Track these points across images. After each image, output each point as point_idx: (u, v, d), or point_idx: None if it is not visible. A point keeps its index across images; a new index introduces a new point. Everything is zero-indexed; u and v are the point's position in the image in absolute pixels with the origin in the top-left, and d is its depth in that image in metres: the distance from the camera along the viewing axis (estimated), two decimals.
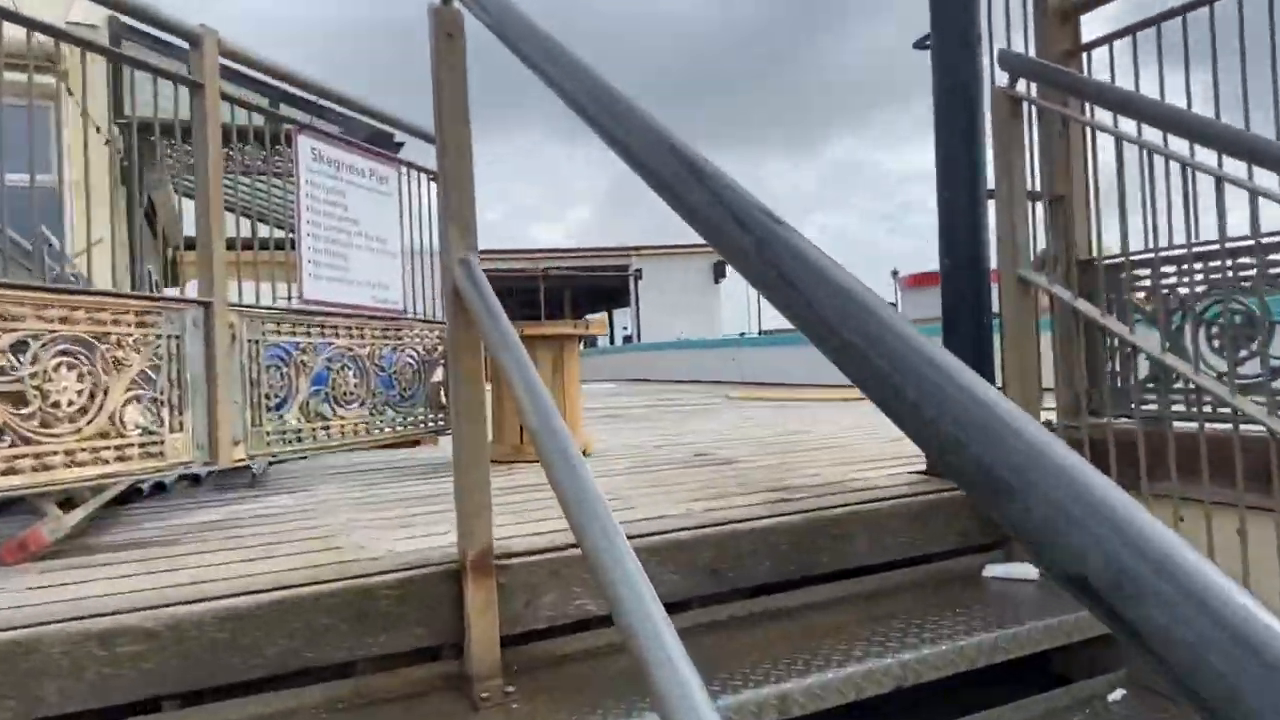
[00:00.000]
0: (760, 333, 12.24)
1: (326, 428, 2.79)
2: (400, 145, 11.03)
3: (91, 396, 2.01)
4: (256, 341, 2.52)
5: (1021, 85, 2.30)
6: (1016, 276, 2.19)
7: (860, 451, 3.21)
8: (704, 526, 1.86)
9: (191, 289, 2.44)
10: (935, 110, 2.45)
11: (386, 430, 3.09)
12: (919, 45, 4.77)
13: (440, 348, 3.41)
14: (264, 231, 3.18)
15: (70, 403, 1.96)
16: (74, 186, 8.53)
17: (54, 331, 1.94)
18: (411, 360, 3.25)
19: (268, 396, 2.55)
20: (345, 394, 2.88)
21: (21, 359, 1.87)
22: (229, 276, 2.41)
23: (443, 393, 3.45)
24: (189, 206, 2.98)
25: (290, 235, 2.98)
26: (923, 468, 2.53)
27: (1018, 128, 2.24)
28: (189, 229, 2.69)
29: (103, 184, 8.81)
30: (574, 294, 29.46)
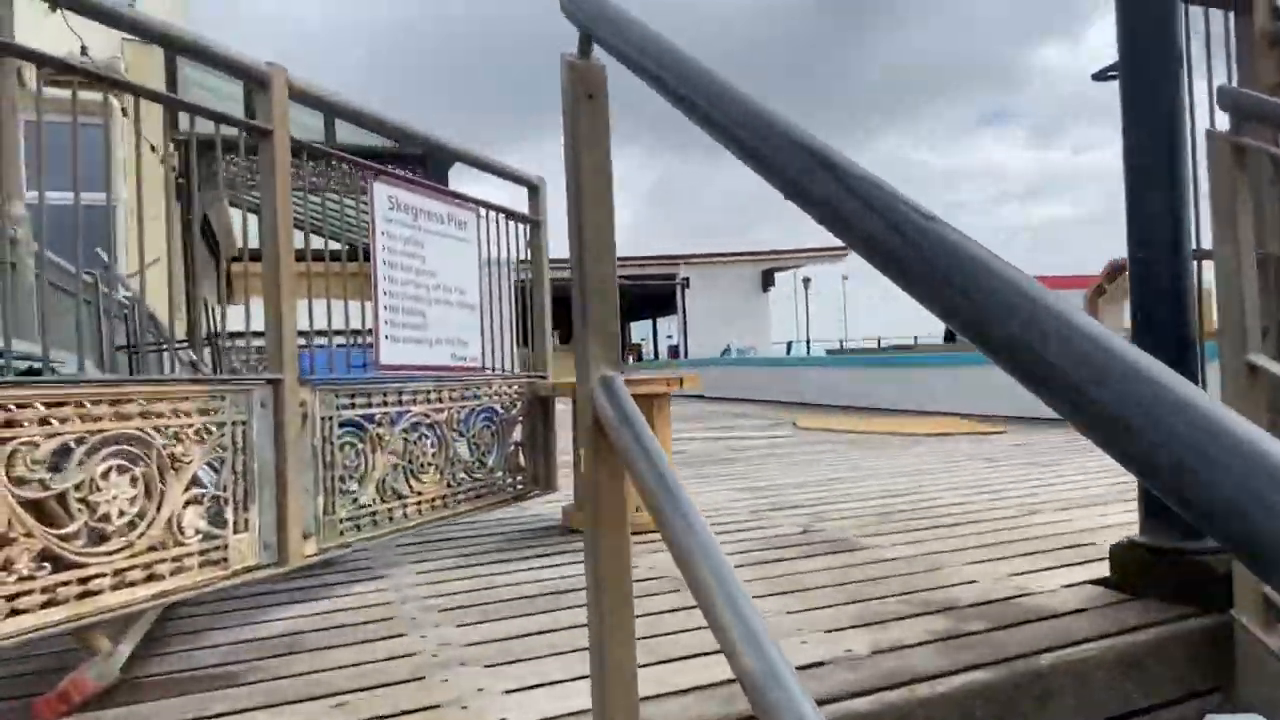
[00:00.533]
0: (826, 351, 11.80)
1: (404, 506, 2.49)
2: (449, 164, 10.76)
3: (146, 502, 1.72)
4: (330, 418, 2.23)
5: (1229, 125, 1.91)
6: (1245, 362, 1.80)
7: (1003, 529, 2.82)
8: (880, 689, 1.50)
9: (248, 312, 2.16)
10: (1126, 155, 2.06)
11: (464, 502, 2.78)
12: (1101, 76, 4.33)
13: (519, 404, 3.10)
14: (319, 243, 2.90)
15: (121, 513, 1.67)
16: (127, 205, 8.43)
17: (102, 431, 1.65)
18: (490, 421, 2.94)
19: (342, 479, 2.25)
20: (423, 465, 2.57)
21: (64, 467, 1.58)
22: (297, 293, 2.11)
23: (521, 454, 3.14)
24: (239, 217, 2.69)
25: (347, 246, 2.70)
26: (1103, 573, 2.14)
27: (1243, 179, 1.85)
28: (246, 239, 2.42)
29: (158, 201, 8.74)
30: (622, 302, 29.17)
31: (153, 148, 8.57)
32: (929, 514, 3.16)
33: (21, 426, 1.52)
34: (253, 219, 2.45)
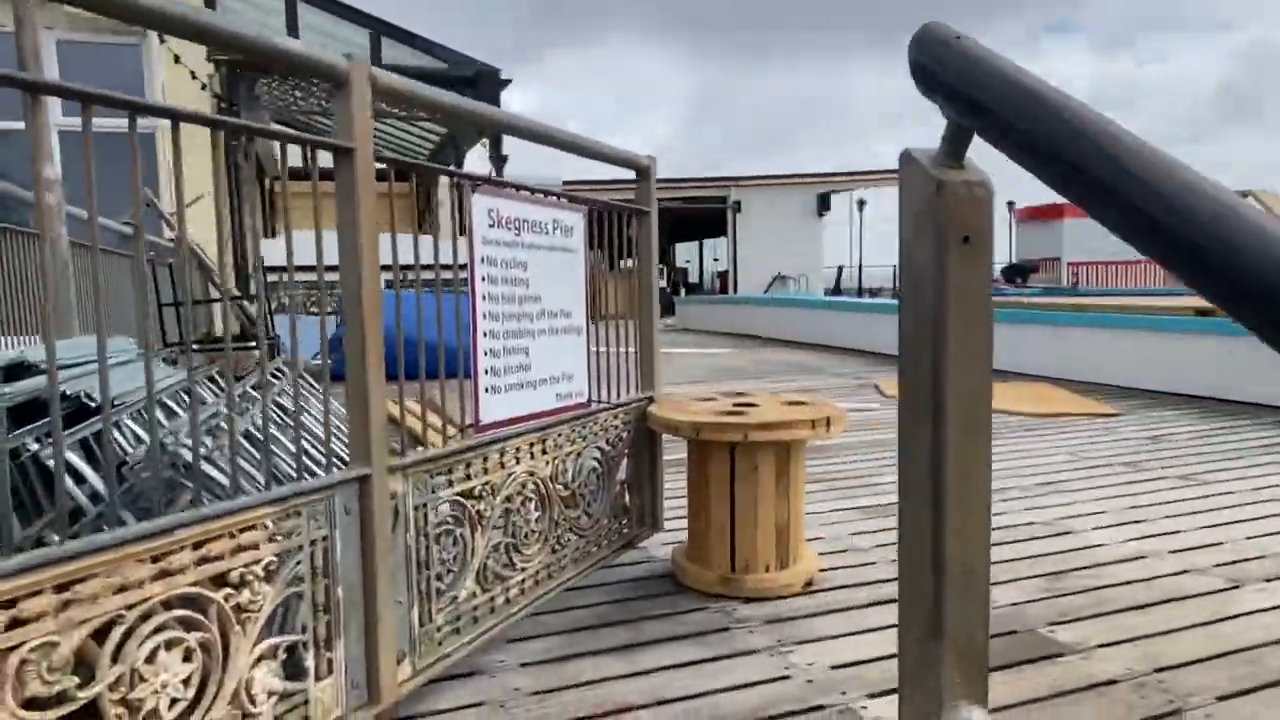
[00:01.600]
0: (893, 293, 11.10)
1: (506, 590, 2.06)
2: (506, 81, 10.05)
3: (205, 679, 1.30)
4: (425, 505, 1.78)
5: None
6: None
7: (1218, 615, 2.33)
8: None
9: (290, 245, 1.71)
10: None
11: (569, 566, 2.35)
12: None
13: (626, 434, 2.64)
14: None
15: (174, 701, 1.25)
16: (165, 136, 7.93)
17: (145, 599, 1.21)
18: (596, 462, 2.48)
19: (439, 577, 1.82)
20: (526, 535, 2.13)
21: (96, 662, 1.16)
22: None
23: (627, 493, 2.69)
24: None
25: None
26: None
27: None
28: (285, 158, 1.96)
29: (201, 132, 8.17)
30: (667, 223, 28.42)
31: (193, 74, 8.01)
32: (1109, 573, 2.67)
33: (32, 623, 1.09)
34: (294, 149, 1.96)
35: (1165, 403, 5.89)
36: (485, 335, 1.96)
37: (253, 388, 2.50)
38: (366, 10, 9.75)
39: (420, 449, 1.87)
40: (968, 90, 0.64)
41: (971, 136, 0.69)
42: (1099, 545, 2.95)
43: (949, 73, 0.66)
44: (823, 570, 2.73)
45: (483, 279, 1.95)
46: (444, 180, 2.10)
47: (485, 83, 9.85)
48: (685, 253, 36.72)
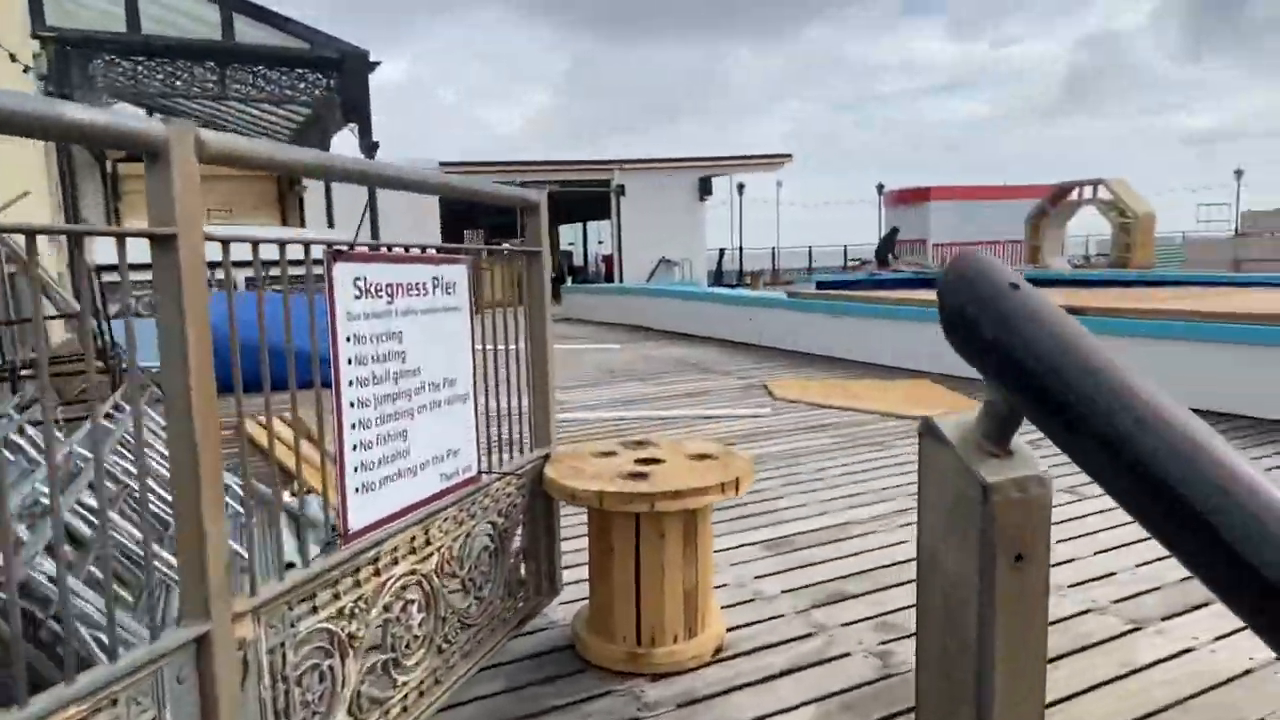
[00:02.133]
0: (786, 292, 11.21)
1: (385, 714, 1.80)
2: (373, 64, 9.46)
3: None
4: (283, 644, 1.50)
5: None
6: None
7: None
8: None
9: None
10: None
11: (459, 665, 2.11)
12: None
13: (521, 501, 2.40)
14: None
15: None
16: None
17: None
18: (489, 538, 2.24)
19: None
20: (408, 644, 1.87)
21: None
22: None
23: (523, 564, 2.46)
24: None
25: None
26: None
27: None
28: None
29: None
30: (550, 206, 27.93)
31: (12, 57, 7.08)
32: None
33: None
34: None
35: None
36: (354, 427, 1.67)
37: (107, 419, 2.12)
38: None
39: (279, 578, 1.58)
40: (1033, 366, 0.47)
41: (1022, 420, 0.52)
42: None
43: (1004, 337, 0.49)
44: (731, 629, 2.59)
45: (349, 361, 1.66)
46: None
47: (351, 65, 9.23)
48: (569, 234, 36.33)
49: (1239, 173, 35.62)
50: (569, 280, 20.74)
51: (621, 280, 23.03)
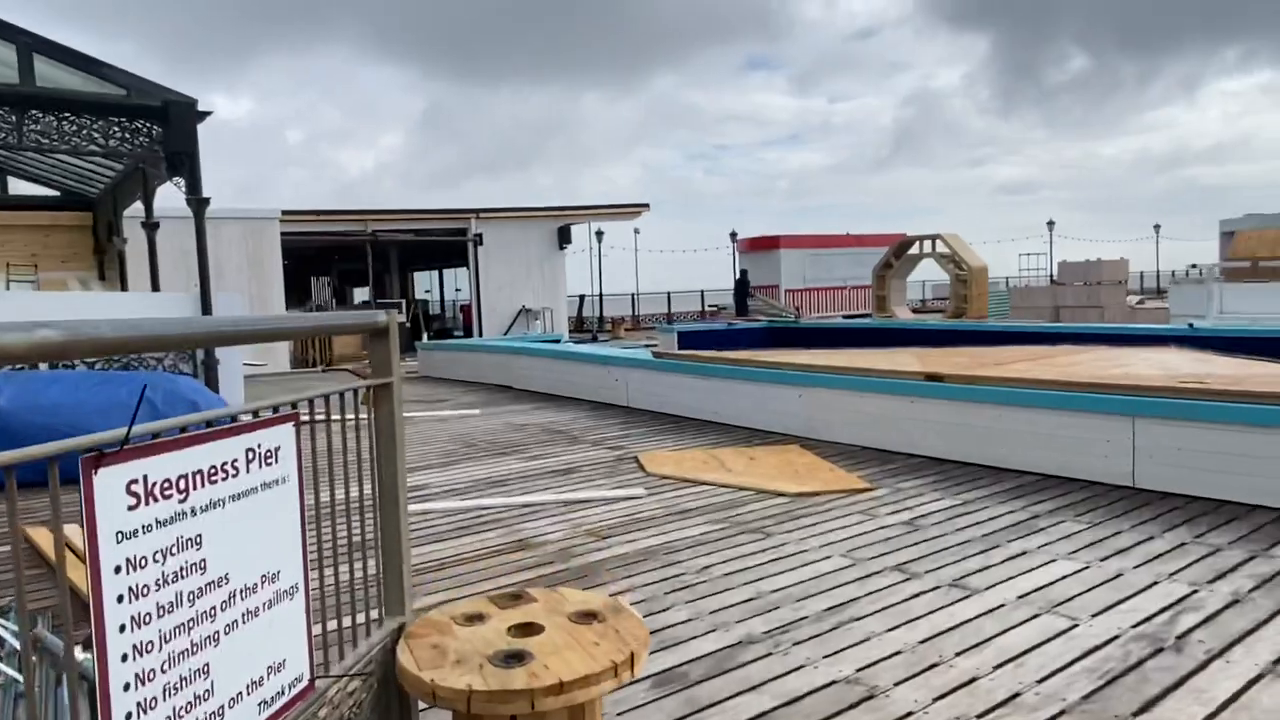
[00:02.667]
0: (653, 353, 11.03)
1: None
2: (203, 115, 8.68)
3: None
4: None
5: None
6: None
7: None
8: None
9: None
10: None
11: None
12: None
13: (366, 698, 1.96)
14: None
15: None
16: None
17: None
18: None
19: None
20: None
21: None
22: None
23: None
24: None
25: None
26: None
27: None
28: None
29: None
30: (403, 253, 27.01)
31: None
32: None
33: None
34: None
35: (904, 466, 6.13)
36: (127, 689, 1.22)
37: None
38: (19, 22, 7.90)
39: None
40: None
41: None
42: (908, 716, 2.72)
43: None
44: None
45: (120, 599, 1.21)
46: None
47: (177, 113, 8.38)
48: (425, 281, 35.22)
49: (1051, 224, 39.24)
50: (425, 334, 19.89)
51: (480, 331, 22.40)
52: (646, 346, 19.68)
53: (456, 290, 32.25)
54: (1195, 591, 3.61)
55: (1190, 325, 11.89)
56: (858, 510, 5.14)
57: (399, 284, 29.08)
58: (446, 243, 23.97)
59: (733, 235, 37.71)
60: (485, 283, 23.00)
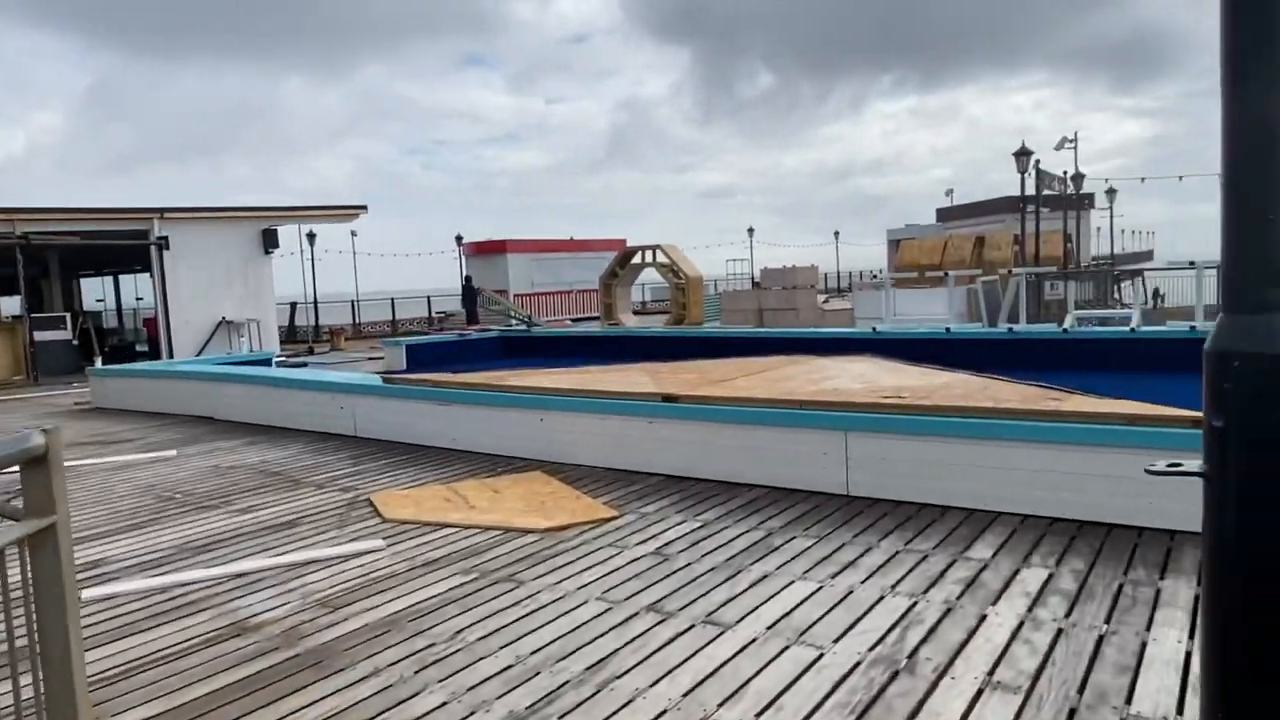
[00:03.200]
0: (383, 379, 10.30)
1: None
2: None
3: None
4: None
5: None
6: None
7: None
8: None
9: None
10: None
11: None
12: None
13: None
14: None
15: None
16: None
17: None
18: None
19: None
20: None
21: None
22: None
23: None
24: None
25: None
26: None
27: None
28: None
29: None
30: (67, 256, 23.18)
31: None
32: None
33: None
34: None
35: (647, 486, 6.23)
36: None
37: None
38: None
39: None
40: None
41: None
42: None
43: None
44: None
45: None
46: None
47: None
48: (97, 288, 30.52)
49: (751, 230, 42.92)
50: (99, 356, 17.15)
51: (171, 349, 19.85)
52: (371, 359, 18.59)
53: (138, 299, 28.34)
54: (915, 604, 3.96)
55: (874, 329, 13.48)
56: (608, 543, 5.10)
57: (61, 293, 24.93)
58: (124, 249, 20.92)
59: (458, 239, 36.96)
60: (175, 292, 20.39)
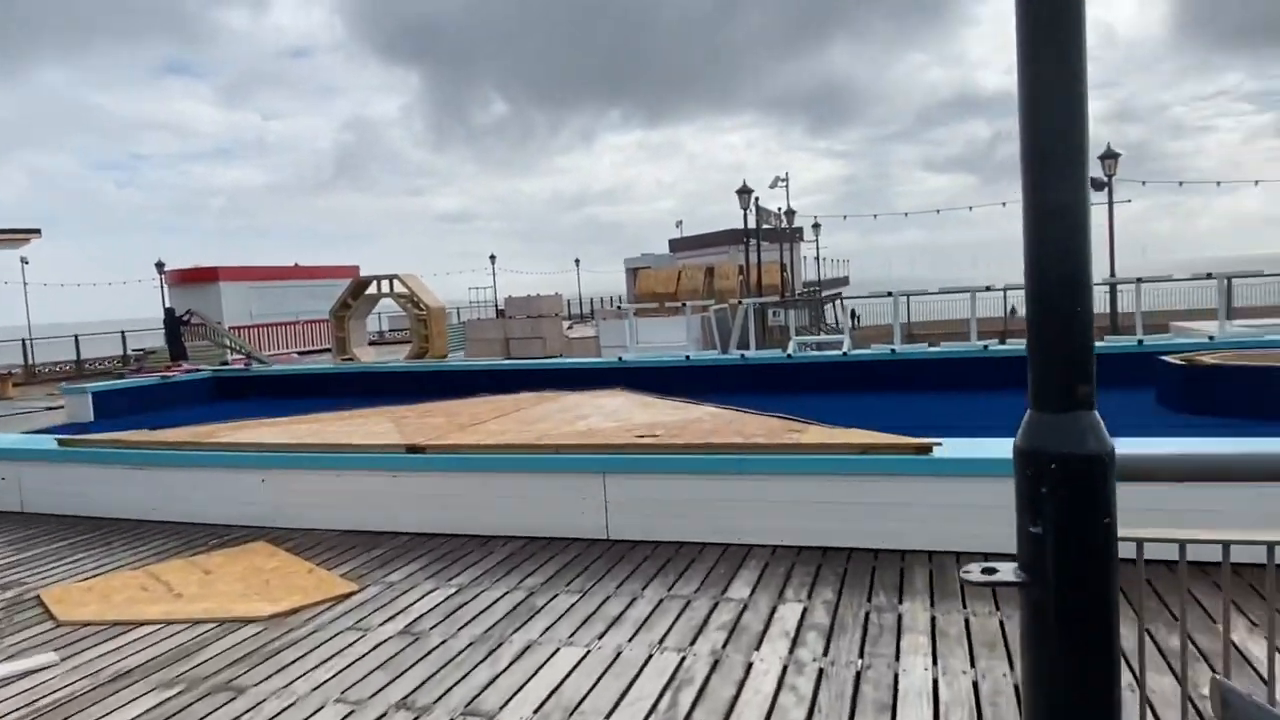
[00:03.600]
0: (58, 440, 8.66)
1: None
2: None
3: None
4: None
5: None
6: None
7: None
8: None
9: None
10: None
11: None
12: None
13: None
14: None
15: None
16: None
17: None
18: None
19: None
20: None
21: None
22: None
23: None
24: None
25: None
26: None
27: None
28: None
29: None
30: None
31: None
32: None
33: None
34: None
35: (392, 549, 5.66)
36: None
37: None
38: None
39: None
40: None
41: None
42: None
43: None
44: None
45: None
46: None
47: None
48: None
49: (493, 257, 42.46)
50: None
51: None
52: (50, 410, 15.72)
53: None
54: (684, 659, 3.85)
55: (620, 359, 13.69)
56: (347, 625, 4.51)
57: None
58: None
59: (159, 265, 32.90)
60: None
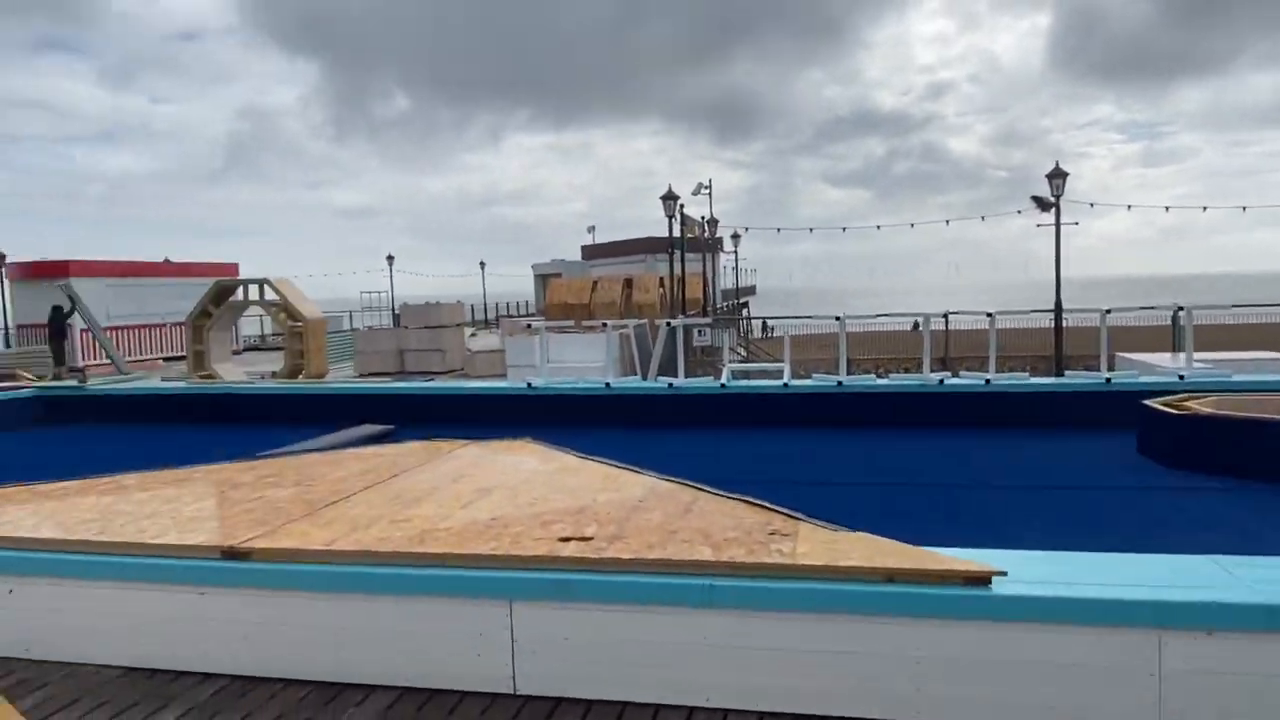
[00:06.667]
0: None
1: None
2: None
3: None
4: None
5: None
6: None
7: None
8: None
9: None
10: None
11: None
12: None
13: None
14: None
15: None
16: None
17: None
18: None
19: None
20: None
21: None
22: None
23: None
24: None
25: None
26: None
27: None
28: None
29: None
30: None
31: None
32: None
33: None
34: None
35: (194, 699, 3.76)
36: None
37: None
38: None
39: None
40: None
41: None
42: None
43: None
44: None
45: None
46: None
47: None
48: None
49: (391, 258, 39.62)
50: None
51: None
52: None
53: None
54: None
55: (529, 384, 11.85)
56: None
57: None
58: None
59: (1, 258, 29.02)
60: None
